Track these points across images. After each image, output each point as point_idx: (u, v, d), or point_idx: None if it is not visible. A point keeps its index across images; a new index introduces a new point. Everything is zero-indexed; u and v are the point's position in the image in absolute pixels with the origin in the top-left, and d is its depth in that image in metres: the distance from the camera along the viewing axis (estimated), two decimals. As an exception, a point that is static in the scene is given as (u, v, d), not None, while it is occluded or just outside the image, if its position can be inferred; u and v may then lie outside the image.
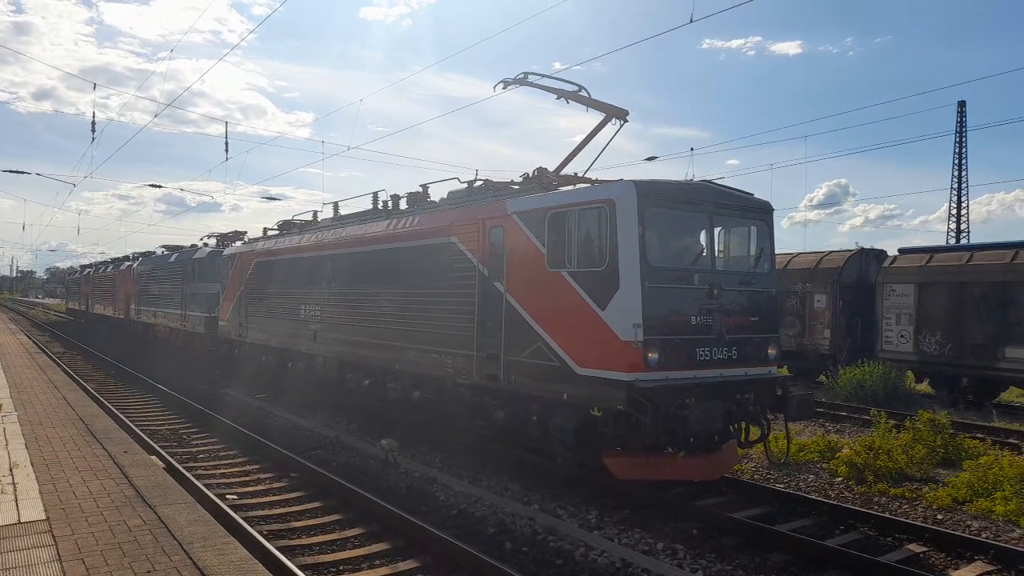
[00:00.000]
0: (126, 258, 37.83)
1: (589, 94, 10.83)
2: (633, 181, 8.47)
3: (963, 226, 51.82)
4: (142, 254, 35.31)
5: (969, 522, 8.52)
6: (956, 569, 7.11)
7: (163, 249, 32.31)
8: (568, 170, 11.04)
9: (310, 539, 7.72)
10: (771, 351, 9.22)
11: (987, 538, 7.89)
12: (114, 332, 37.02)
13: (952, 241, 48.99)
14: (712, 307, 8.59)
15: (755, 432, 9.47)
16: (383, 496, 8.82)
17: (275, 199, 50.77)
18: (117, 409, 14.84)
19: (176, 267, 26.63)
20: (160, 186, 33.75)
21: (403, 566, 6.92)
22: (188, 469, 10.18)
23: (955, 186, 51.61)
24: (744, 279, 9.20)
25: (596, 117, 10.69)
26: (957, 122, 50.45)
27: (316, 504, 8.93)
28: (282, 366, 17.20)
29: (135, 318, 32.74)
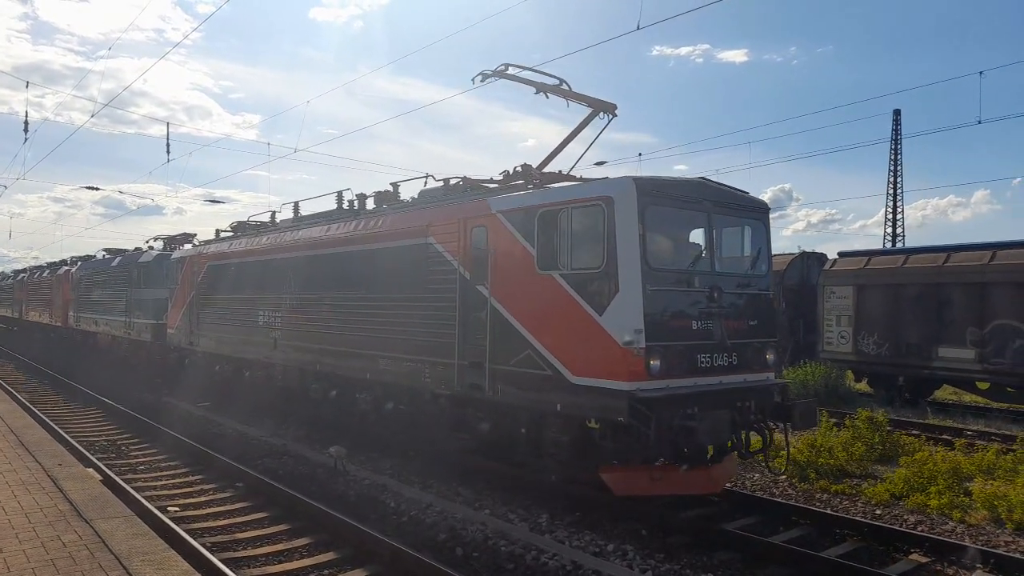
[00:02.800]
0: (63, 262, 36.32)
1: (570, 87, 10.30)
2: (632, 177, 8.00)
3: (899, 230, 53.81)
4: (81, 258, 33.67)
5: (906, 516, 8.82)
6: (894, 562, 7.34)
7: (104, 253, 30.87)
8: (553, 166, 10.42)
9: (256, 550, 7.54)
10: (769, 356, 8.87)
11: (923, 531, 8.17)
12: (51, 341, 35.55)
13: (888, 245, 50.79)
14: (713, 311, 8.21)
15: (756, 442, 9.01)
16: (332, 504, 8.68)
17: (219, 202, 49.80)
18: (52, 420, 14.27)
19: (120, 271, 25.26)
20: (98, 188, 33.25)
21: (352, 575, 6.82)
22: (127, 481, 9.84)
23: (891, 192, 53.54)
24: (742, 281, 8.83)
25: (578, 113, 10.27)
26: (892, 130, 52.38)
27: (262, 514, 8.73)
28: (238, 376, 16.33)
29: (74, 325, 31.26)
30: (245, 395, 15.72)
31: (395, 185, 12.63)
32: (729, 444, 8.68)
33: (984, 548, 7.44)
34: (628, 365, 7.54)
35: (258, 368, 15.38)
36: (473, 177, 11.02)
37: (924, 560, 7.36)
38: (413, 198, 12.02)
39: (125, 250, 28.61)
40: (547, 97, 10.38)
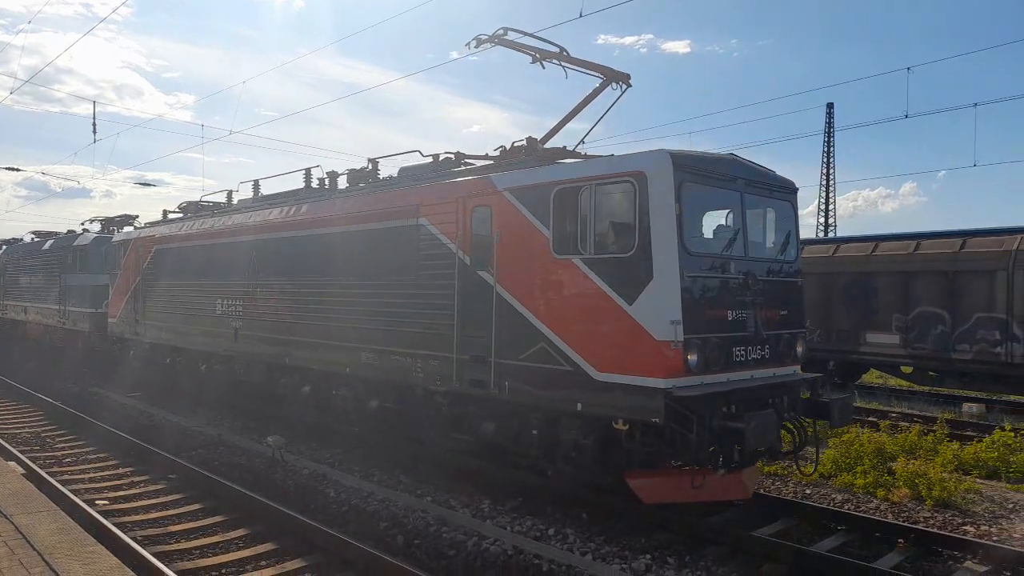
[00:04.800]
0: None
1: (568, 54, 9.40)
2: (667, 150, 7.21)
3: (831, 220, 55.61)
4: (5, 241, 31.49)
5: (834, 495, 9.17)
6: (822, 539, 7.62)
7: (34, 236, 28.64)
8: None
9: (190, 543, 7.35)
10: (799, 348, 8.37)
11: (849, 509, 8.51)
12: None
13: (821, 234, 52.48)
14: (747, 300, 7.62)
15: (786, 441, 8.29)
16: (269, 495, 8.52)
17: (151, 185, 47.79)
18: (-30, 413, 13.59)
19: (52, 256, 23.28)
20: (19, 169, 31.11)
21: (291, 565, 6.72)
22: (52, 475, 9.47)
23: (824, 183, 55.27)
24: (773, 267, 8.25)
25: (583, 83, 9.71)
26: (826, 122, 54.00)
27: (197, 506, 8.52)
28: (192, 369, 15.13)
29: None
30: (197, 388, 14.86)
31: (374, 161, 11.65)
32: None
33: (904, 524, 7.81)
34: (663, 360, 6.87)
35: (216, 361, 14.28)
36: (467, 154, 10.18)
37: (849, 538, 7.68)
38: (392, 176, 11.16)
39: (56, 233, 26.69)
40: (543, 67, 9.41)
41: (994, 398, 16.81)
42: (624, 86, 9.32)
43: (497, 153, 9.72)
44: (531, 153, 9.20)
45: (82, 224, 24.78)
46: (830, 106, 52.72)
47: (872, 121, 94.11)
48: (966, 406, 16.12)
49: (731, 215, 7.99)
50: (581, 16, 10.38)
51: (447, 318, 8.95)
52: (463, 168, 10.00)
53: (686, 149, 7.61)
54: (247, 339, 13.02)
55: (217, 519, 8.04)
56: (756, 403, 7.65)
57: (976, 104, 28.05)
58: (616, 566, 6.78)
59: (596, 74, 9.37)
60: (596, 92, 9.32)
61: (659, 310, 6.92)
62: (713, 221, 8.09)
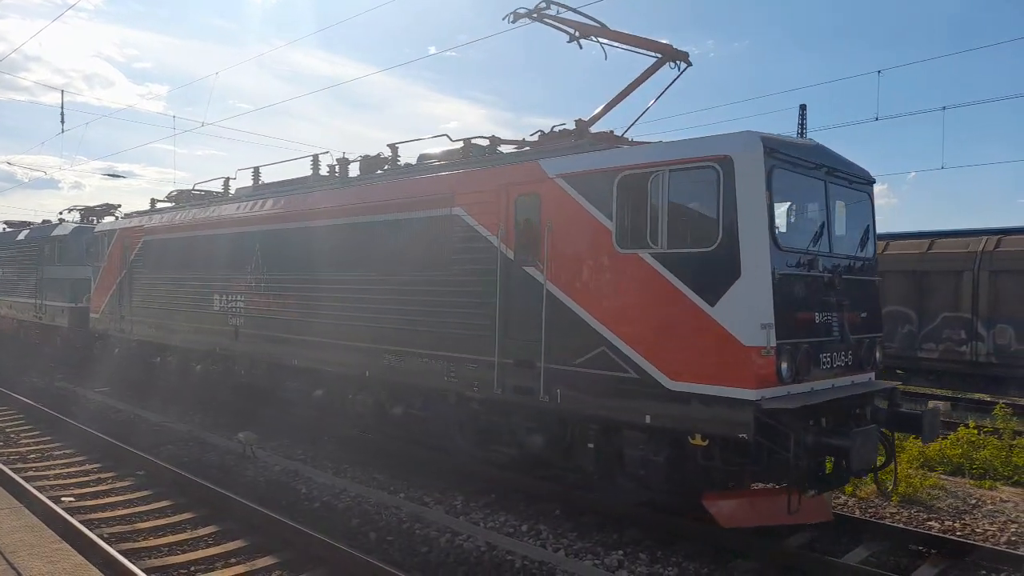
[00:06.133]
0: None
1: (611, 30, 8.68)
2: (756, 132, 6.53)
3: (803, 220, 56.28)
4: None
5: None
6: (790, 535, 7.71)
7: (5, 226, 27.21)
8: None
9: (158, 540, 7.24)
10: (878, 354, 7.78)
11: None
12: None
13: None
14: (832, 300, 7.03)
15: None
16: (240, 491, 8.42)
17: (121, 176, 47.09)
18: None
19: (27, 246, 22.03)
20: (-18, 159, 30.06)
21: (261, 563, 6.65)
22: (16, 471, 9.26)
23: (796, 183, 55.86)
24: (854, 265, 7.62)
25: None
26: (799, 124, 54.61)
27: (165, 503, 8.39)
28: (186, 369, 14.15)
29: None
30: (188, 389, 14.06)
31: (393, 147, 10.75)
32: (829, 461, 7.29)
33: (871, 519, 7.94)
34: (753, 368, 6.18)
35: (213, 360, 13.34)
36: (504, 138, 9.51)
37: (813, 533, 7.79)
38: (410, 164, 10.45)
39: (29, 223, 25.38)
40: (580, 46, 8.61)
41: (960, 396, 17.16)
42: (684, 65, 8.53)
43: (535, 138, 9.02)
44: (581, 137, 8.40)
45: (60, 214, 23.59)
46: (803, 107, 53.37)
47: (844, 123, 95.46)
48: (932, 403, 16.45)
49: (815, 207, 7.36)
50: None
51: (486, 318, 8.20)
52: (499, 155, 9.25)
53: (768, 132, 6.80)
54: (249, 338, 12.12)
55: (186, 516, 7.91)
56: (844, 415, 7.15)
57: (944, 108, 28.60)
58: (589, 562, 6.81)
59: (650, 52, 8.54)
60: (650, 72, 8.52)
61: (747, 312, 6.23)
62: (805, 212, 7.44)
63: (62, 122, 20.09)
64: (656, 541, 7.43)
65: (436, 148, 10.11)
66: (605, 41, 8.72)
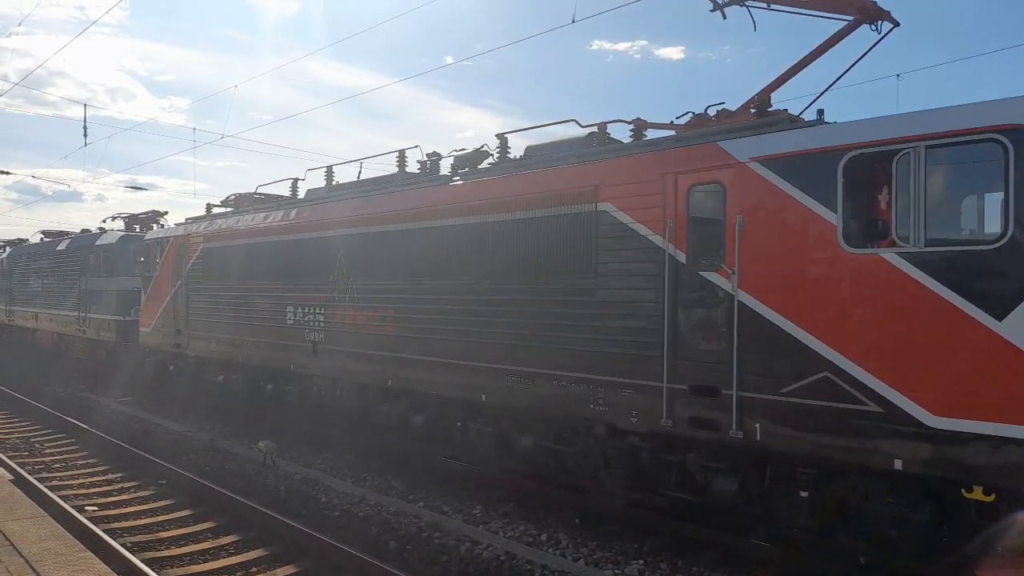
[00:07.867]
0: None
1: None
2: None
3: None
4: (10, 242, 28.89)
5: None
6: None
7: (43, 236, 25.74)
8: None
9: (180, 549, 7.31)
10: None
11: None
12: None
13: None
14: None
15: None
16: (260, 500, 8.48)
17: (142, 188, 47.71)
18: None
19: (69, 257, 20.81)
20: (9, 173, 30.67)
21: (282, 571, 6.70)
22: (41, 480, 9.39)
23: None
24: None
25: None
26: (816, 129, 54.26)
27: (187, 512, 8.47)
28: (254, 388, 13.03)
29: (5, 320, 26.57)
30: (258, 411, 13.12)
31: (502, 137, 9.56)
32: None
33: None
34: None
35: (289, 380, 12.20)
36: (649, 122, 8.37)
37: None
38: (518, 158, 9.31)
39: (66, 232, 24.29)
40: (724, 16, 7.51)
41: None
42: (890, 25, 7.19)
43: (683, 122, 7.86)
44: (764, 115, 7.20)
45: (103, 221, 22.71)
46: (820, 112, 53.02)
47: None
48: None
49: None
50: (574, 22, 10.38)
51: (648, 334, 7.02)
52: (659, 139, 7.99)
53: None
54: (331, 354, 10.91)
55: (208, 525, 8.00)
56: None
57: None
58: (609, 571, 6.78)
59: (839, 16, 7.23)
60: (843, 33, 7.20)
61: None
62: None
63: (85, 135, 20.24)
64: (676, 551, 7.38)
65: (578, 131, 8.74)
66: (781, 7, 7.42)
